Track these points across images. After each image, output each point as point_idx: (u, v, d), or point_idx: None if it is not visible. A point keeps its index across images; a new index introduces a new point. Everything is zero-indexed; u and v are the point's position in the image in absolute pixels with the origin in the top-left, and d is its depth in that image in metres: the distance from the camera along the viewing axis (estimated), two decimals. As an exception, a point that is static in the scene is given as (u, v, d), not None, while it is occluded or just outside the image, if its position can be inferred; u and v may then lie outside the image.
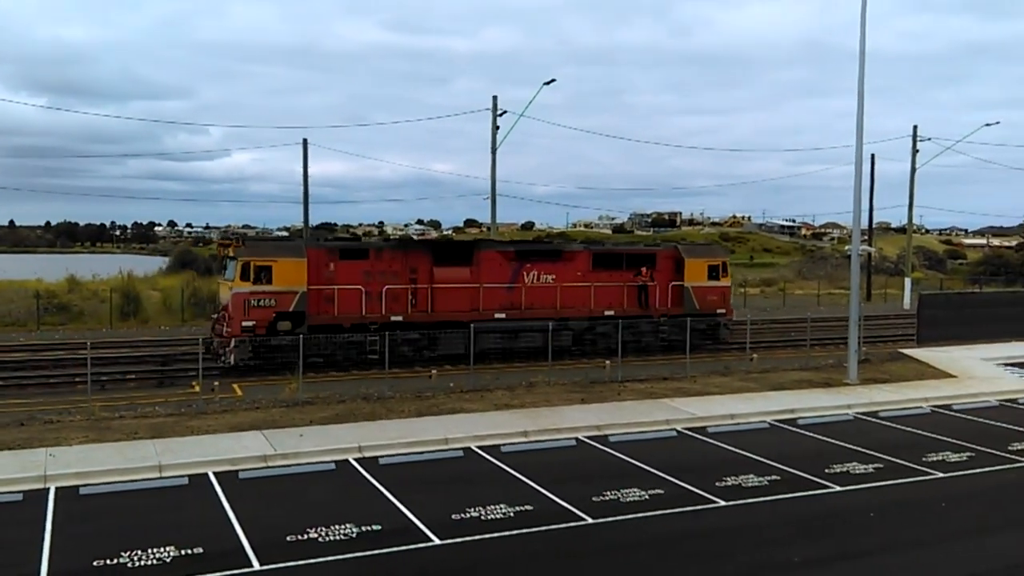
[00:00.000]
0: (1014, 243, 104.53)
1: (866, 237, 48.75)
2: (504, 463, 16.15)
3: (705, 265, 31.58)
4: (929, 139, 51.36)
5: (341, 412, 19.56)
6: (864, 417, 20.62)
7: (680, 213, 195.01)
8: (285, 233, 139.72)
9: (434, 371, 24.69)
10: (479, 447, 17.17)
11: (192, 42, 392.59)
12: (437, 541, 12.30)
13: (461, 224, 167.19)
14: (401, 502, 13.88)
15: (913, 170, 51.03)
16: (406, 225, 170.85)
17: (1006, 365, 28.28)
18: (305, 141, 41.38)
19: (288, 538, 12.37)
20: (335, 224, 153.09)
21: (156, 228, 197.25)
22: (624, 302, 30.43)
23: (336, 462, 16.10)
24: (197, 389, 22.11)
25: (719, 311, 31.52)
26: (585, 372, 25.46)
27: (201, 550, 11.82)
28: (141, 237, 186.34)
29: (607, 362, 25.70)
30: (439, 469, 15.85)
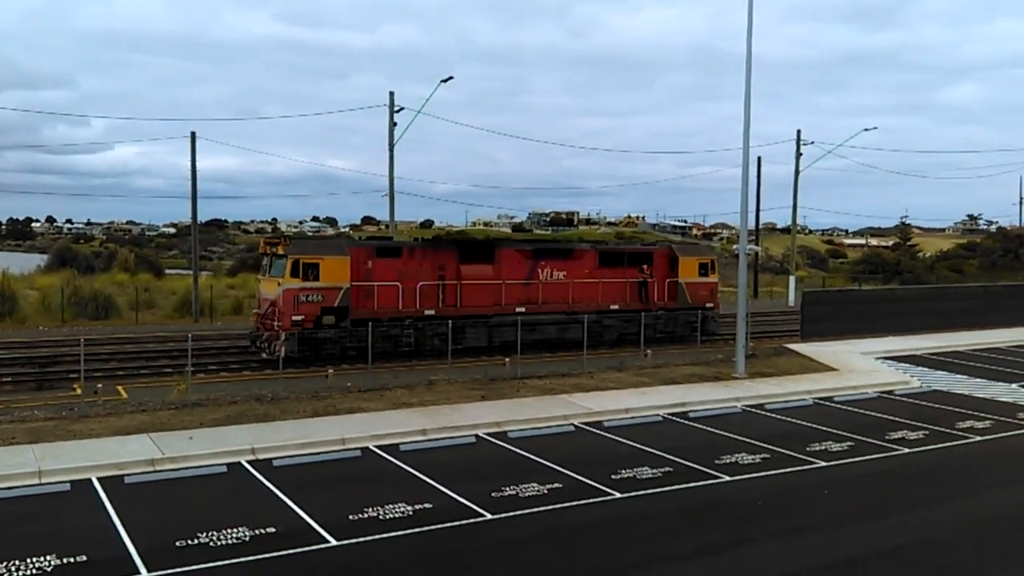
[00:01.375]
0: (891, 243, 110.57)
1: (753, 237, 50.65)
2: (403, 462, 16.04)
3: (696, 263, 34.37)
4: (812, 143, 54.23)
5: (233, 413, 19.03)
6: (752, 409, 21.38)
7: (577, 212, 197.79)
8: (172, 230, 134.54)
9: (330, 370, 24.35)
10: (377, 446, 17.00)
11: (74, 30, 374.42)
12: (334, 542, 12.12)
13: (358, 221, 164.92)
14: (296, 504, 13.61)
15: (797, 173, 53.36)
16: (301, 222, 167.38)
17: (884, 359, 29.85)
18: (193, 135, 40.00)
19: (178, 543, 11.96)
20: (225, 221, 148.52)
21: (34, 224, 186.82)
22: (627, 297, 32.93)
23: (228, 465, 15.66)
24: (79, 392, 21.20)
25: (708, 305, 34.19)
26: (484, 370, 25.56)
27: (85, 558, 11.34)
28: (17, 234, 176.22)
29: (506, 359, 25.86)
30: (336, 470, 15.62)
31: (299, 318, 26.61)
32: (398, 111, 40.33)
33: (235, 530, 12.43)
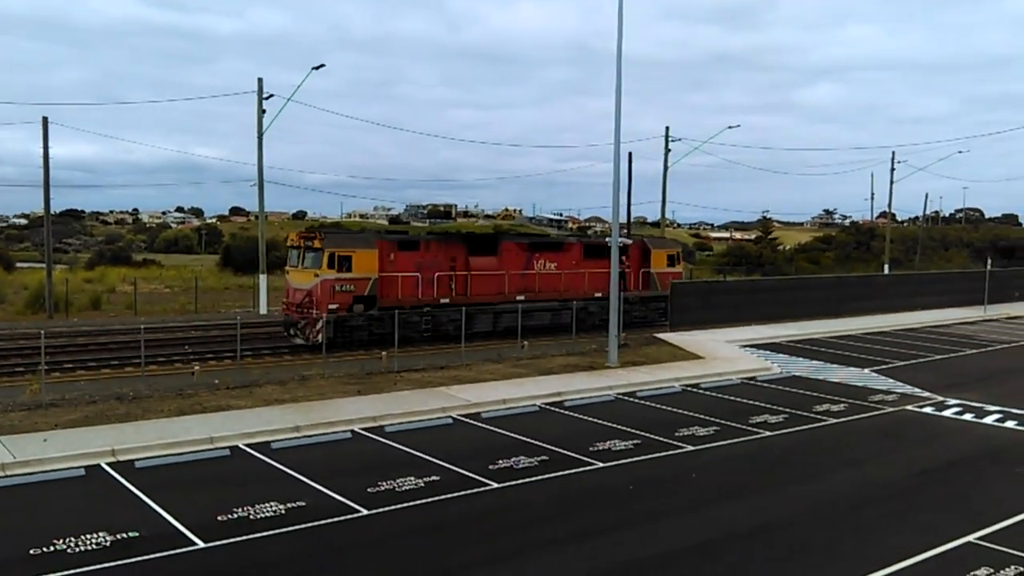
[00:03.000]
0: (753, 236, 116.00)
1: (625, 230, 51.98)
2: (275, 460, 15.68)
3: (665, 254, 37.31)
4: (680, 139, 55.86)
5: (92, 414, 18.10)
6: (624, 397, 22.02)
7: (455, 205, 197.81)
8: (24, 221, 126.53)
9: (197, 366, 23.52)
10: (247, 445, 16.55)
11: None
12: (201, 544, 11.74)
13: (226, 212, 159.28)
14: (161, 506, 13.10)
15: (666, 168, 55.03)
16: (164, 213, 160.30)
17: (747, 347, 31.28)
18: (45, 120, 37.62)
19: (32, 551, 11.31)
20: (82, 211, 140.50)
21: None
22: (608, 286, 34.56)
23: (86, 467, 14.89)
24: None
25: None
26: (362, 364, 25.33)
27: (-79, 575, 10.56)
28: None
29: (383, 353, 25.69)
30: (203, 470, 15.11)
31: (335, 306, 28.43)
32: (267, 98, 39.22)
33: (94, 535, 11.86)
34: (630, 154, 57.92)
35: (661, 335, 32.98)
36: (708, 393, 22.97)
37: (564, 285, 33.79)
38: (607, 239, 40.16)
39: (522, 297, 32.55)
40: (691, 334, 33.46)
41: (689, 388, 23.53)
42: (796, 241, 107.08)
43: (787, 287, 41.03)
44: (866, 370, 27.27)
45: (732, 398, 22.34)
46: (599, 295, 34.45)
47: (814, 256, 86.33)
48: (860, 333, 36.10)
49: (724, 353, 29.30)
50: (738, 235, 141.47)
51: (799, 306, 39.88)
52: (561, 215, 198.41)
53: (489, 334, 31.57)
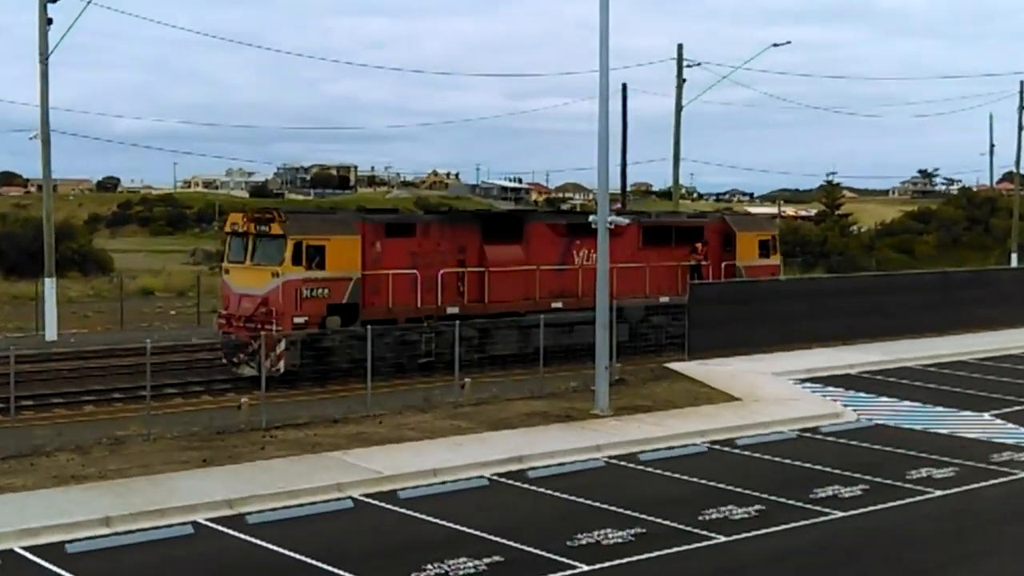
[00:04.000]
0: (813, 211, 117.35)
1: (619, 204, 52.19)
2: (69, 571, 15.37)
3: (756, 239, 39.85)
4: (700, 64, 55.70)
5: None
6: (620, 463, 22.04)
7: (354, 167, 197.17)
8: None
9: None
10: (27, 548, 16.20)
11: None
12: None
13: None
14: None
15: (679, 108, 55.30)
16: None
17: (805, 381, 31.59)
18: None
19: None
20: None
21: None
22: (678, 287, 37.45)
23: None
24: None
25: None
26: (209, 416, 25.15)
27: None
28: None
29: (243, 399, 25.39)
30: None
31: (302, 319, 30.15)
32: (54, 0, 38.71)
33: None
34: (625, 86, 58.17)
35: (675, 365, 33.10)
36: (747, 454, 23.12)
37: (617, 285, 34.15)
38: (686, 216, 42.56)
39: (559, 304, 34.46)
40: (720, 363, 33.64)
41: (719, 446, 23.65)
42: (878, 219, 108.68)
43: (865, 290, 41.57)
44: (986, 415, 27.70)
45: (784, 460, 22.49)
46: (666, 299, 36.93)
47: (905, 241, 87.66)
48: (976, 359, 36.70)
49: (770, 391, 29.50)
50: (789, 210, 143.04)
51: (883, 318, 40.38)
52: (520, 181, 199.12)
53: (514, 359, 33.15)
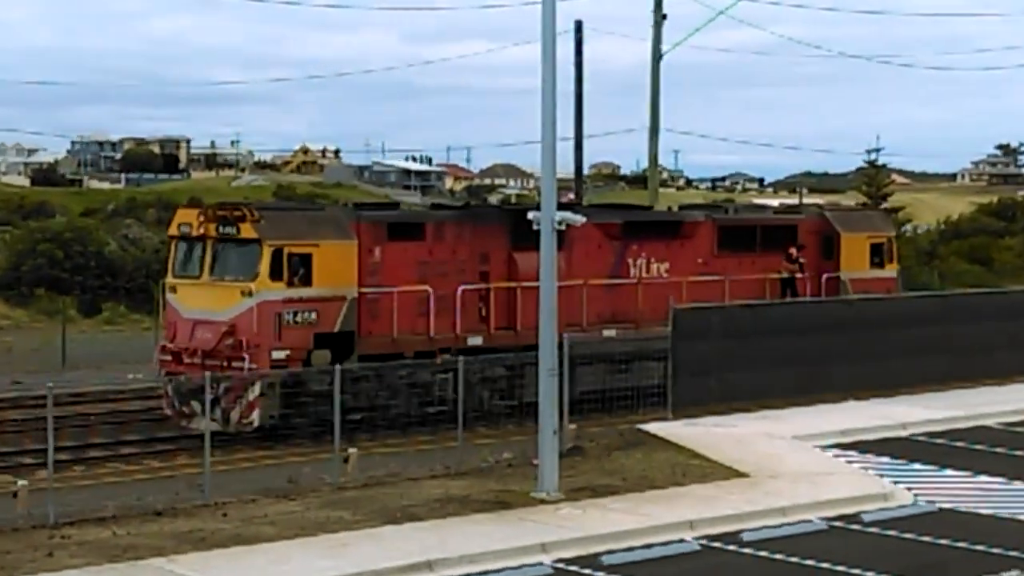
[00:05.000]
0: (851, 203, 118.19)
1: (571, 194, 52.35)
2: None
3: (867, 243, 43.48)
4: (685, -5, 56.09)
5: None
6: (575, 568, 21.97)
7: (187, 142, 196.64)
8: None
9: None
10: None
11: None
12: None
13: None
14: None
15: (656, 57, 55.58)
16: None
17: (837, 447, 31.80)
18: None
19: None
20: None
21: None
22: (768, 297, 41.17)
23: None
24: None
25: None
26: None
27: None
28: None
29: (19, 482, 25.16)
30: None
31: (283, 354, 31.83)
32: None
33: None
34: (579, 25, 58.15)
35: (653, 427, 33.16)
36: (758, 553, 23.12)
37: (687, 304, 37.43)
38: (773, 211, 46.57)
39: (612, 332, 36.59)
40: (719, 423, 33.81)
41: (717, 543, 23.65)
42: (941, 214, 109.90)
43: (923, 317, 41.96)
44: (1093, 494, 27.96)
45: (811, 563, 22.52)
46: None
47: (980, 247, 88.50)
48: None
49: (791, 463, 29.71)
50: (816, 201, 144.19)
51: (949, 356, 40.76)
52: (431, 162, 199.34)
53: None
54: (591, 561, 22.36)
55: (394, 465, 28.95)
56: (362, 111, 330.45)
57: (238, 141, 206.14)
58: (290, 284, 31.87)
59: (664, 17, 54.64)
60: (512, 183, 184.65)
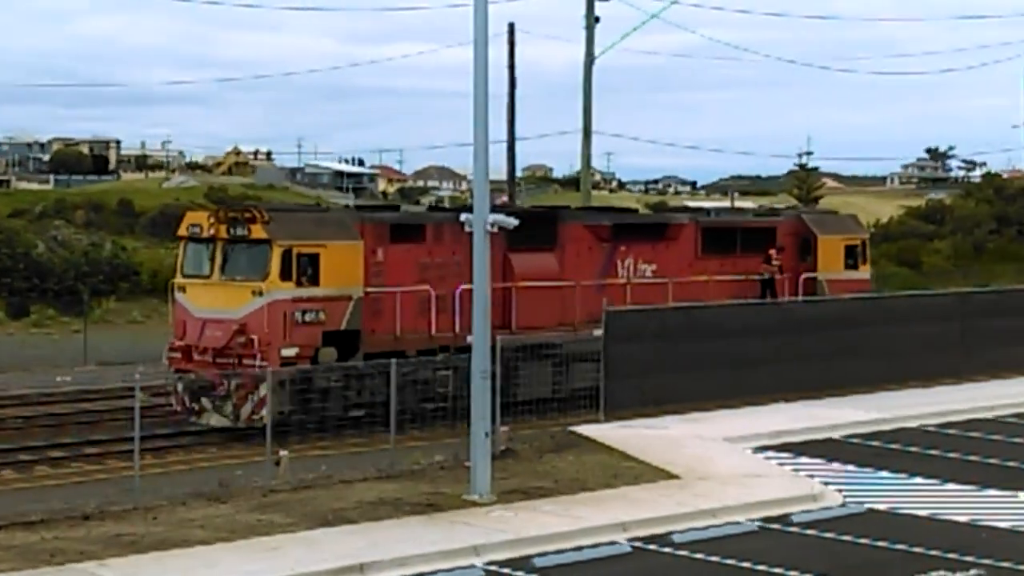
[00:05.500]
0: (781, 207, 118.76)
1: (504, 196, 52.42)
2: None
3: (842, 245, 45.43)
4: (620, -3, 56.05)
5: None
6: (507, 571, 21.99)
7: (116, 143, 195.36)
8: None
9: None
10: None
11: None
12: None
13: None
14: None
15: (589, 60, 55.66)
16: None
17: (768, 449, 32.03)
18: None
19: None
20: None
21: None
22: (749, 298, 42.65)
23: None
24: None
25: None
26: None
27: None
28: None
29: None
30: None
31: (292, 351, 33.17)
32: None
33: None
34: (512, 27, 58.24)
35: (586, 429, 33.24)
36: (688, 554, 23.18)
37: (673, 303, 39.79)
38: (753, 214, 49.73)
39: (599, 330, 36.66)
40: (651, 426, 33.97)
41: (648, 544, 23.71)
42: (870, 217, 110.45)
43: (852, 320, 42.26)
44: (1021, 494, 28.24)
45: (742, 564, 22.60)
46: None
47: (908, 249, 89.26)
48: (1006, 416, 37.57)
49: (722, 465, 29.83)
50: (745, 204, 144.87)
51: (878, 359, 41.11)
52: (363, 164, 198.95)
53: (539, 404, 36.80)
54: (523, 563, 22.39)
55: (326, 468, 28.91)
56: (297, 111, 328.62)
57: (169, 142, 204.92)
58: (299, 284, 33.15)
59: (596, 20, 54.84)
60: (445, 185, 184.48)
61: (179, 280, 35.54)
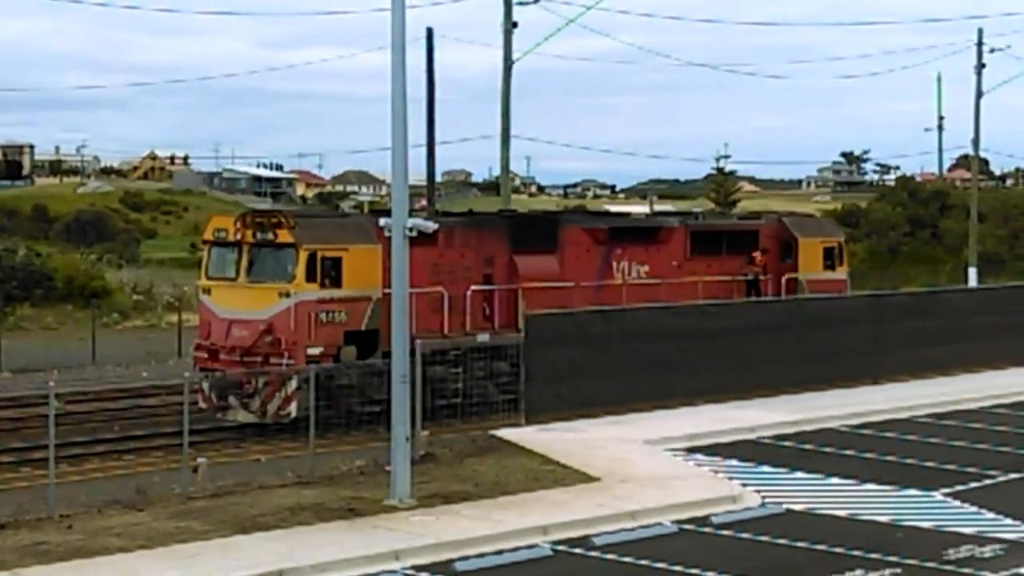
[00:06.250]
0: (699, 210, 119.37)
1: (423, 201, 52.29)
2: None
3: (821, 247, 47.78)
4: (537, 0, 55.93)
5: None
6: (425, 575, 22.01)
7: (30, 148, 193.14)
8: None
9: None
10: None
11: None
12: None
13: None
14: None
15: (508, 64, 55.58)
16: None
17: (687, 450, 32.09)
18: None
19: None
20: None
21: None
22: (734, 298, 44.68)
23: None
24: None
25: None
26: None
27: None
28: None
29: None
30: None
31: (317, 350, 34.56)
32: None
33: None
34: (430, 32, 58.24)
35: (506, 433, 33.25)
36: (609, 557, 23.22)
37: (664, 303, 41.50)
38: (737, 218, 52.42)
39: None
40: (571, 429, 34.05)
41: (568, 547, 23.72)
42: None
43: (769, 322, 42.45)
44: (937, 494, 28.48)
45: (660, 565, 22.64)
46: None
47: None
48: (922, 415, 37.92)
49: (642, 467, 29.90)
50: (665, 207, 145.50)
51: (795, 362, 41.29)
52: (281, 169, 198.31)
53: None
54: (444, 568, 22.38)
55: (244, 474, 28.76)
56: (214, 116, 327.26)
57: (84, 147, 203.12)
58: (323, 285, 34.64)
59: (515, 25, 54.72)
60: (365, 190, 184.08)
61: (204, 282, 37.01)
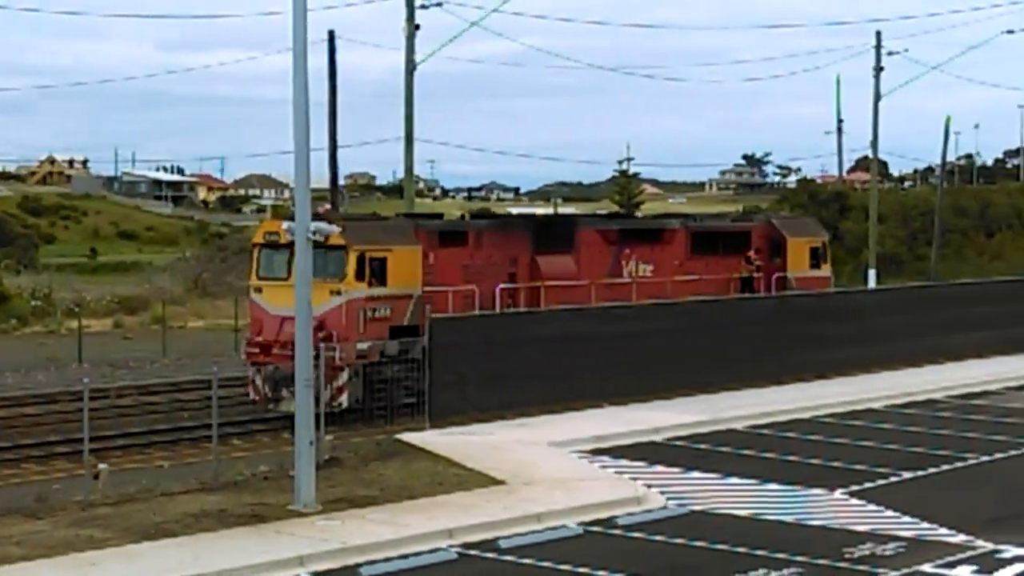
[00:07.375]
0: (603, 212, 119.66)
1: (326, 204, 52.19)
2: None
3: (807, 246, 50.90)
4: (440, 3, 55.76)
5: None
6: (331, 581, 21.95)
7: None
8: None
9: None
10: None
11: None
12: None
13: None
14: None
15: (410, 67, 55.51)
16: None
17: (592, 452, 32.20)
18: None
19: None
20: None
21: None
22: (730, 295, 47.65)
23: None
24: None
25: None
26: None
27: None
28: None
29: None
30: None
31: (365, 345, 37.59)
32: None
33: None
34: (332, 35, 58.11)
35: (411, 437, 33.24)
36: (514, 559, 23.29)
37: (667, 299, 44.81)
38: (731, 219, 56.05)
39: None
40: (475, 432, 34.07)
41: (474, 550, 23.78)
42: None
43: (670, 324, 42.58)
44: (837, 493, 28.74)
45: (565, 567, 22.71)
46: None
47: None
48: (822, 415, 38.37)
49: (547, 470, 29.99)
50: (569, 210, 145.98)
51: (696, 362, 41.54)
52: (183, 172, 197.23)
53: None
54: (350, 573, 22.35)
55: (147, 480, 28.53)
56: (115, 119, 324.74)
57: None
58: (370, 284, 37.56)
59: (417, 28, 54.65)
60: (267, 193, 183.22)
61: (255, 282, 39.53)
